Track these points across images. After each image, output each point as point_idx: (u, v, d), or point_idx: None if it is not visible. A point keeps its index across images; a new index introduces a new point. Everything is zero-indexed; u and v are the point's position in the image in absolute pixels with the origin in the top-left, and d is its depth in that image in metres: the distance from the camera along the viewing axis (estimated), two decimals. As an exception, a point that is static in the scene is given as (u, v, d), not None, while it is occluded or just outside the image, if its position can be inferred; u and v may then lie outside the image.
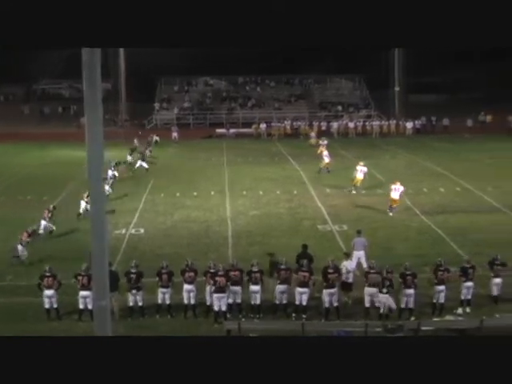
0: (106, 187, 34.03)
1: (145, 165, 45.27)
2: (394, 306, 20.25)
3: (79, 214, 31.23)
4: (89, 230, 8.24)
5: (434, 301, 20.40)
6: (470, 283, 20.67)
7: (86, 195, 30.23)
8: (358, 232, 24.70)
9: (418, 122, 67.54)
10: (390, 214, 31.97)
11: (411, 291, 20.08)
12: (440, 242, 27.43)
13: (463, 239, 27.79)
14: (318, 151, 46.38)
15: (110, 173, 39.03)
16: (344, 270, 21.39)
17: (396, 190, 32.00)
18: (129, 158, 46.82)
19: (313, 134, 59.89)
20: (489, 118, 70.38)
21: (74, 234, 29.15)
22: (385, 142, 59.92)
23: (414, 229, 29.70)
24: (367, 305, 20.30)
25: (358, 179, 37.60)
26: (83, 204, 31.11)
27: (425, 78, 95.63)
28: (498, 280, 20.94)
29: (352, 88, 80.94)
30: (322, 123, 67.21)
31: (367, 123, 67.66)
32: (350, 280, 21.57)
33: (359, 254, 23.65)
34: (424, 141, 59.94)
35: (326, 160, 43.45)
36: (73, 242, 27.56)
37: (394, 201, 32.10)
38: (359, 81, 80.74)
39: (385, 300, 20.13)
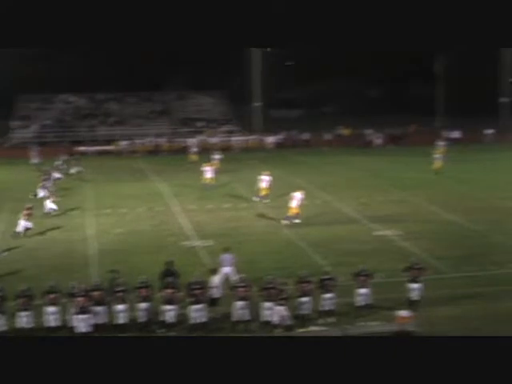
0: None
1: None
2: (289, 318, 20.38)
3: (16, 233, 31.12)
4: None
5: (298, 312, 20.65)
6: (329, 294, 21.05)
7: (25, 213, 31.49)
8: (226, 249, 24.72)
9: (278, 137, 68.81)
10: (284, 222, 32.88)
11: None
12: (303, 255, 27.96)
13: (326, 250, 28.46)
14: (210, 167, 44.92)
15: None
16: (212, 285, 21.37)
17: (295, 199, 32.87)
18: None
19: (194, 150, 58.78)
20: (346, 131, 72.76)
21: None
22: (247, 156, 60.57)
23: (278, 242, 30.12)
24: (235, 319, 20.34)
25: (261, 189, 38.41)
26: (22, 223, 31.40)
27: (285, 93, 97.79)
28: (363, 290, 21.49)
29: (213, 104, 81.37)
30: (187, 139, 66.63)
31: (229, 138, 68.19)
32: (217, 295, 21.56)
33: (227, 270, 23.68)
34: (285, 155, 61.12)
35: (208, 175, 43.42)
36: None
37: (292, 209, 32.87)
38: (220, 96, 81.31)
39: (282, 312, 20.20)
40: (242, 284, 20.76)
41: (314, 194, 41.02)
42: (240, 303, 20.38)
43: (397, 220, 33.78)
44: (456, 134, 68.61)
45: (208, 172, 43.75)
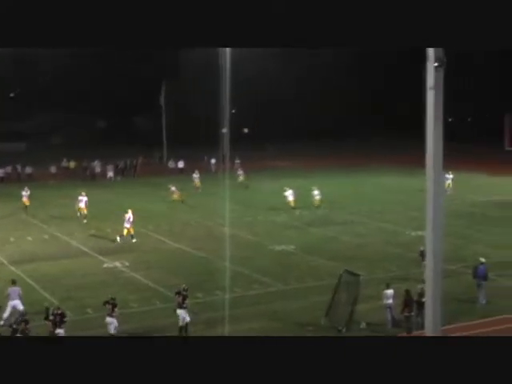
0: None
1: None
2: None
3: None
4: None
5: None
6: (59, 330, 20.77)
7: None
8: (13, 282, 24.74)
9: (1, 171, 66.13)
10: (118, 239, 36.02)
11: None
12: (31, 291, 27.10)
13: (54, 286, 27.92)
14: None
15: None
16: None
17: (128, 219, 36.31)
18: None
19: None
20: (72, 164, 71.62)
21: None
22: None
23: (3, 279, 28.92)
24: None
25: (80, 208, 42.84)
26: None
27: (10, 125, 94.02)
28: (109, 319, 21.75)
29: None
30: None
31: None
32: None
33: (14, 303, 23.77)
34: (9, 190, 58.56)
35: None
36: None
37: (127, 229, 36.16)
38: None
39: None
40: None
41: (42, 228, 40.03)
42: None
43: (126, 251, 34.10)
44: (181, 164, 70.92)
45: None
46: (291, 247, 35.17)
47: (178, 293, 22.92)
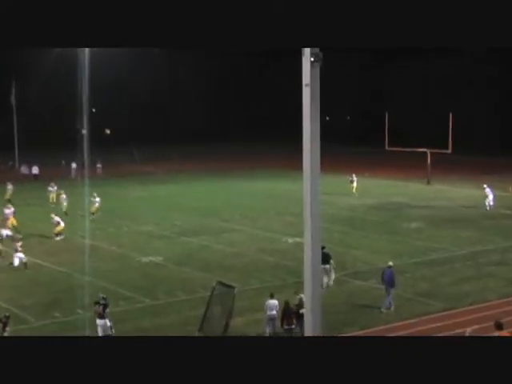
0: None
1: None
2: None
3: None
4: None
5: None
6: None
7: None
8: None
9: None
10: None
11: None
12: None
13: None
14: None
15: None
16: None
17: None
18: None
19: None
20: None
21: None
22: None
23: None
24: None
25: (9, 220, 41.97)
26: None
27: None
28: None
29: None
30: None
31: None
32: None
33: None
34: None
35: None
36: None
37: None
38: None
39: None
40: None
41: None
42: None
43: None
44: (35, 170, 69.14)
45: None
46: (159, 258, 34.76)
47: (97, 303, 23.04)
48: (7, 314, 22.53)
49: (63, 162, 70.21)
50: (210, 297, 24.47)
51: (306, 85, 10.72)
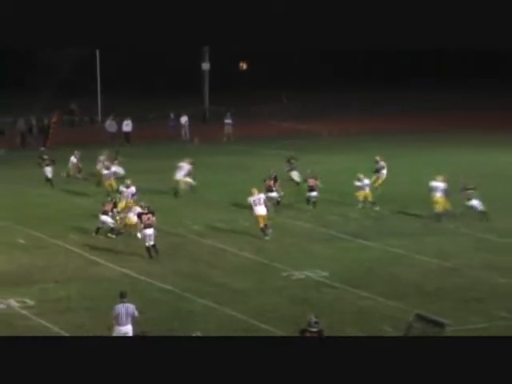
0: None
1: None
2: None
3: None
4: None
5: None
6: None
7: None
8: None
9: None
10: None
11: None
12: None
13: None
14: None
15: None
16: None
17: None
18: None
19: None
20: None
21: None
22: None
23: None
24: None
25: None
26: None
27: None
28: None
29: None
30: None
31: None
32: None
33: None
34: None
35: None
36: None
37: None
38: None
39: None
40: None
41: None
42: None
43: None
44: (127, 127, 48.95)
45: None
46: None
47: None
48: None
49: (171, 115, 51.55)
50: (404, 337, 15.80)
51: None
